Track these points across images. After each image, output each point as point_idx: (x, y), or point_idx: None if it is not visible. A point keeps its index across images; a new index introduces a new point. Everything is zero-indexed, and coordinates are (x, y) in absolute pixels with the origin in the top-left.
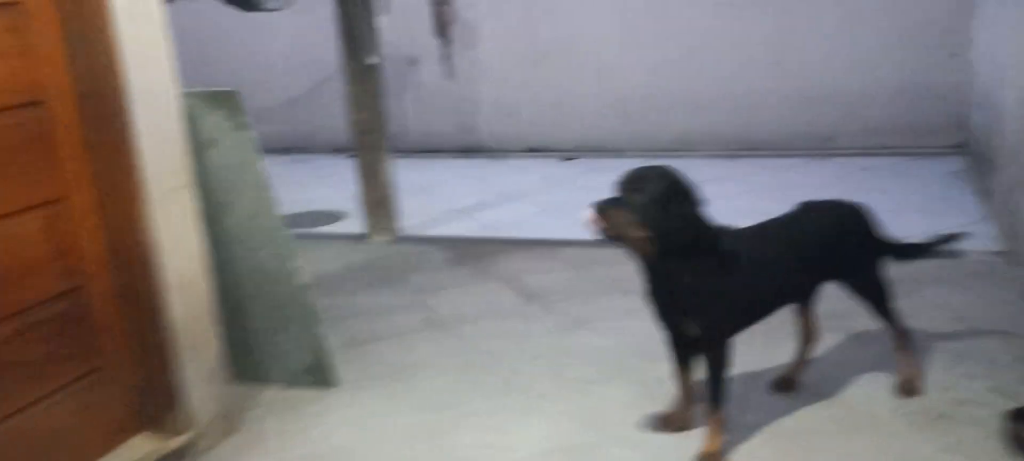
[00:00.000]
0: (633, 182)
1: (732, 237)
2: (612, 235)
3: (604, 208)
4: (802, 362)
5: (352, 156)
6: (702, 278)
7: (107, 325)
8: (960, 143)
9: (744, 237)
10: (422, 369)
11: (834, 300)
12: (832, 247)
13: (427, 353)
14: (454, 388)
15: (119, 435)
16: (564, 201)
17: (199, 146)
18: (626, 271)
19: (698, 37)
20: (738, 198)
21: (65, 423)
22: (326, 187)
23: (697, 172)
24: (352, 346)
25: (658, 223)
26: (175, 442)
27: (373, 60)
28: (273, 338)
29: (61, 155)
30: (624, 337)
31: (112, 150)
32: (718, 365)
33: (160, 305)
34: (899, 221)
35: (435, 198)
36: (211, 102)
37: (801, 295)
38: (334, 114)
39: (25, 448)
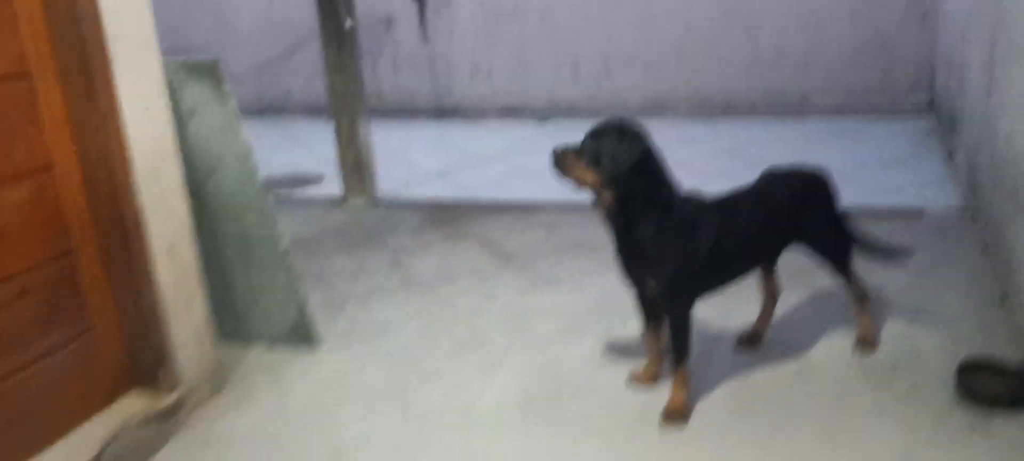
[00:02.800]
0: (593, 132)
1: (697, 203)
2: (567, 177)
3: (560, 153)
4: (765, 319)
5: (328, 119)
6: (662, 236)
7: (96, 289)
8: (928, 103)
9: (710, 205)
10: (396, 328)
11: (797, 258)
12: (795, 213)
13: (401, 312)
14: (425, 345)
15: (111, 394)
16: (537, 164)
17: (182, 115)
18: (594, 232)
19: None
20: (706, 160)
21: (58, 383)
22: (302, 150)
23: (665, 133)
24: (331, 306)
25: (609, 170)
26: (165, 400)
27: (349, 24)
28: (256, 299)
29: (45, 125)
30: (588, 295)
31: (96, 121)
32: (680, 323)
33: (147, 268)
34: (866, 181)
35: (411, 161)
36: (192, 72)
37: (766, 260)
38: (309, 77)
39: (20, 408)
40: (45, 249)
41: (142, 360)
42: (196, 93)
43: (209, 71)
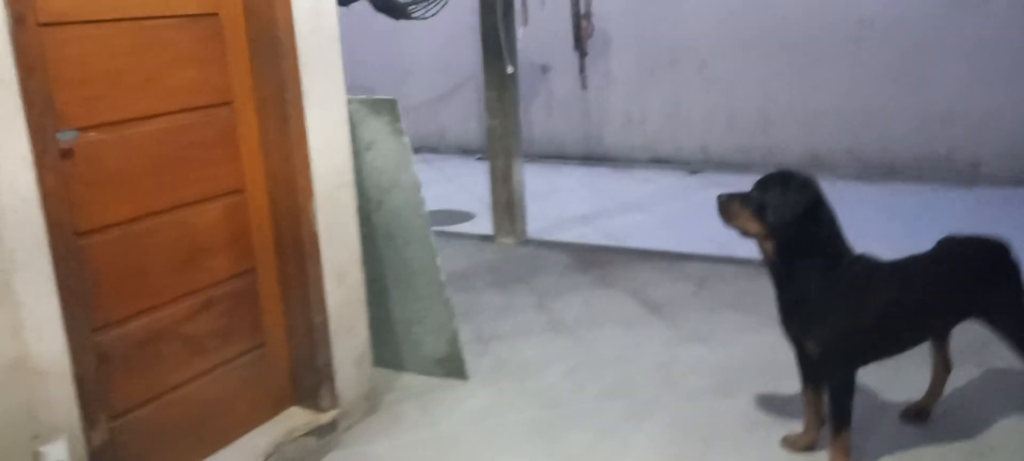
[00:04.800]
0: (762, 180)
1: (870, 264)
2: (731, 225)
3: (726, 199)
4: (935, 392)
5: (481, 158)
6: (827, 294)
7: (272, 306)
8: None
9: (883, 267)
10: (542, 368)
11: (972, 332)
12: (974, 286)
13: (548, 353)
14: (571, 389)
15: (277, 406)
16: (687, 214)
17: (359, 148)
18: (747, 288)
19: (821, 52)
20: (864, 223)
21: (232, 392)
22: (453, 187)
23: (826, 193)
24: (479, 341)
25: (772, 220)
26: (325, 417)
27: (511, 68)
28: (412, 328)
29: (241, 151)
30: (739, 353)
31: (286, 149)
32: (841, 389)
33: (319, 290)
34: None
35: (560, 204)
36: (372, 108)
37: (940, 331)
38: (464, 117)
39: (196, 413)
40: (231, 266)
41: (306, 377)
42: (374, 127)
43: (388, 108)
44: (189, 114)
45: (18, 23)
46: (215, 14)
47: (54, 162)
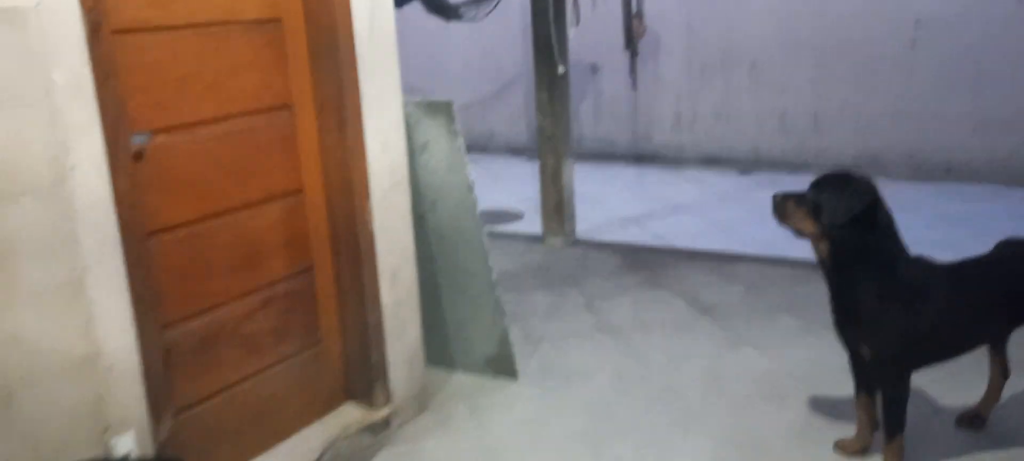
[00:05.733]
0: (819, 180)
1: (926, 267)
2: (786, 224)
3: (782, 198)
4: (991, 399)
5: (529, 159)
6: (882, 298)
7: (328, 305)
8: None
9: (940, 271)
10: (590, 373)
11: None
12: None
13: (596, 357)
14: (619, 394)
15: (331, 402)
16: (738, 215)
17: (414, 149)
18: (800, 291)
19: (875, 53)
20: (922, 227)
21: (289, 388)
22: (502, 187)
23: (884, 194)
24: (528, 342)
25: (827, 220)
26: (378, 414)
27: (562, 69)
28: (462, 328)
29: (301, 153)
30: (791, 358)
31: (343, 151)
32: (895, 393)
33: (374, 290)
34: None
35: (609, 204)
36: (428, 111)
37: (997, 336)
38: (512, 117)
39: (254, 409)
40: (289, 265)
41: (360, 375)
42: (429, 129)
43: (443, 110)
44: (251, 117)
45: (94, 32)
46: (278, 20)
47: (126, 165)
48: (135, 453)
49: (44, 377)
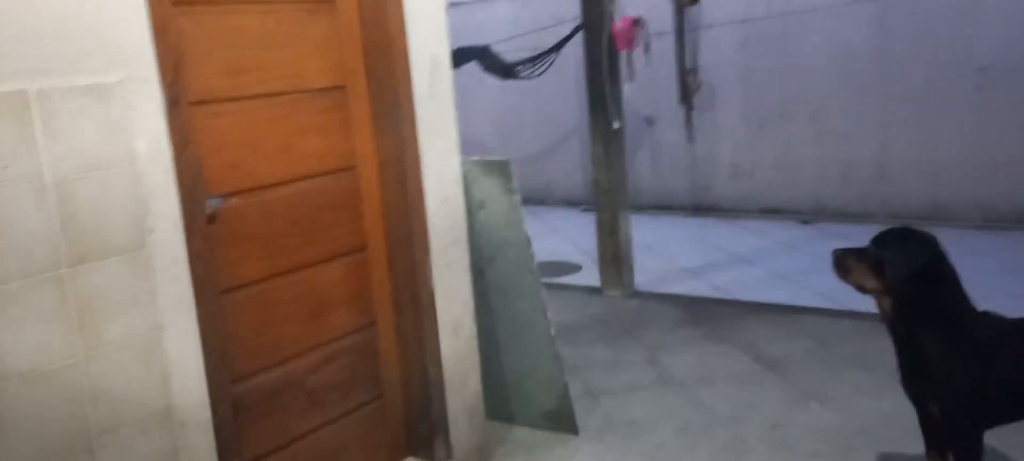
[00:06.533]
0: (881, 236)
1: (995, 322)
2: (847, 280)
3: (843, 253)
4: None
5: (586, 210)
6: (949, 354)
7: (389, 359)
8: None
9: (1010, 326)
10: (653, 426)
11: None
12: None
13: (658, 410)
14: (683, 449)
15: (393, 456)
16: (801, 267)
17: (473, 207)
18: (867, 345)
19: (939, 100)
20: (993, 277)
21: (351, 441)
22: (559, 239)
23: (946, 244)
24: (589, 396)
25: (890, 276)
26: None
27: (617, 124)
28: (522, 382)
29: (364, 212)
30: (860, 414)
31: (404, 209)
32: (965, 452)
33: (434, 344)
34: None
35: (668, 256)
36: (485, 169)
37: None
38: (569, 169)
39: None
40: (353, 321)
41: (421, 429)
42: (487, 187)
43: (500, 168)
44: (318, 179)
45: (173, 105)
46: (342, 87)
47: (201, 227)
48: None
49: (123, 429)
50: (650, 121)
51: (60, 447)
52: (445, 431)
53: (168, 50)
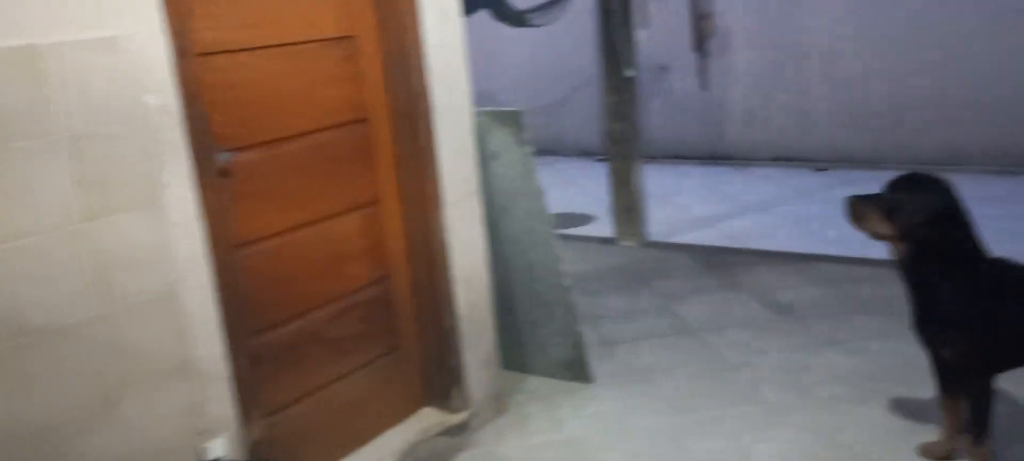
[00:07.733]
0: (893, 182)
1: (1008, 267)
2: (861, 227)
3: (856, 200)
4: None
5: (600, 160)
6: (962, 299)
7: (405, 311)
8: None
9: (1020, 271)
10: (668, 373)
11: None
12: None
13: (673, 358)
14: (698, 394)
15: (410, 407)
16: (814, 214)
17: (486, 158)
18: (881, 291)
19: (956, 42)
20: (1007, 221)
21: (370, 393)
22: (573, 190)
23: (961, 188)
24: (604, 345)
25: (904, 222)
26: (456, 417)
27: (631, 73)
28: (536, 332)
29: (377, 164)
30: (873, 359)
31: (417, 161)
32: (978, 395)
33: (449, 296)
34: None
35: (681, 205)
36: (498, 120)
37: None
38: (582, 119)
39: (339, 413)
40: (368, 273)
41: (437, 380)
42: (500, 138)
43: (513, 119)
44: (330, 132)
45: (181, 56)
46: (352, 36)
47: (213, 181)
48: (228, 456)
49: (142, 383)
50: (663, 69)
51: (82, 401)
52: (461, 381)
53: (175, 1)
